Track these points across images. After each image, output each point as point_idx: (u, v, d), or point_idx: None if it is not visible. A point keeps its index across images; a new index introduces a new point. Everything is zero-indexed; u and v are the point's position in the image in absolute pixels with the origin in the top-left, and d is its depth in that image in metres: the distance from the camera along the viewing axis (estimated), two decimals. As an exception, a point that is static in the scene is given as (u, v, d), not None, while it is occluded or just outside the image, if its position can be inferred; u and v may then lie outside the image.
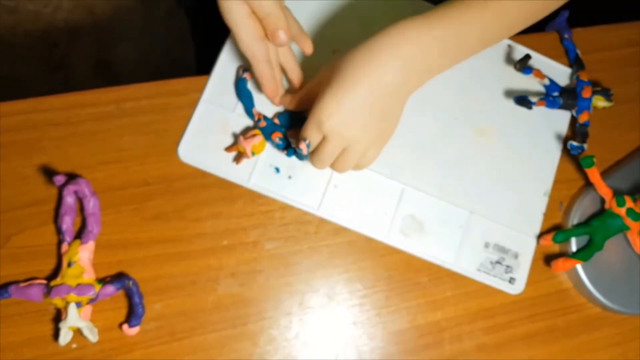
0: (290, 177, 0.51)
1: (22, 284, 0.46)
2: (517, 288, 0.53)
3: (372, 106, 0.43)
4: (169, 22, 1.19)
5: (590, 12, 0.61)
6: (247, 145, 0.48)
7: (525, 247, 0.54)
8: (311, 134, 0.45)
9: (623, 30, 0.62)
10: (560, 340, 0.54)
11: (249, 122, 0.51)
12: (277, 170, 0.51)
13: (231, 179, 0.50)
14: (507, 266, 0.53)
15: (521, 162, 0.55)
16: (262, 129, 0.50)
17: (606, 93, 0.55)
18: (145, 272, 0.48)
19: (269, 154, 0.51)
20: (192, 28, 0.78)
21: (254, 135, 0.49)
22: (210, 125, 0.50)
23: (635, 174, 0.55)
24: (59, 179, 0.46)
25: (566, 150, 0.56)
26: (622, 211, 0.51)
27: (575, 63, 0.57)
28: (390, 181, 0.52)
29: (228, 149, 0.50)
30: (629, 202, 0.51)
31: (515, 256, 0.53)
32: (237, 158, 0.50)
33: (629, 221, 0.51)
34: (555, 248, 0.55)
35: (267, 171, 0.51)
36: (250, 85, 0.51)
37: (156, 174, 0.50)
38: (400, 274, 0.52)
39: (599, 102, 0.55)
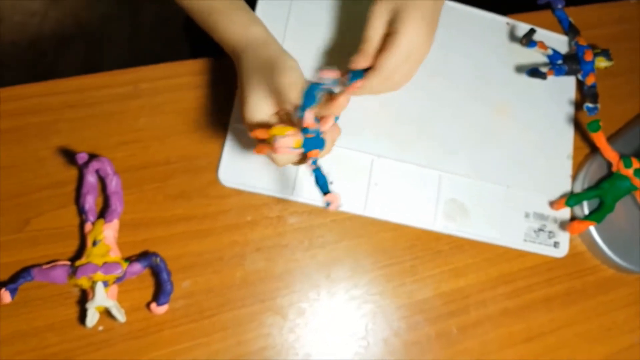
0: (332, 182, 0.51)
1: (45, 266, 0.45)
2: (562, 251, 0.55)
3: None
4: (158, 28, 1.19)
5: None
6: (288, 144, 0.40)
7: (561, 210, 0.55)
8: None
9: (612, 8, 0.65)
10: (578, 302, 0.55)
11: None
12: None
13: (276, 194, 0.50)
14: (550, 232, 0.55)
15: (541, 132, 0.57)
16: (307, 140, 0.41)
17: (606, 53, 0.58)
18: (170, 250, 0.47)
19: (309, 161, 0.50)
20: (185, 29, 0.78)
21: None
22: (245, 146, 0.50)
23: (637, 139, 0.58)
24: (82, 156, 0.45)
25: (578, 117, 0.58)
26: (629, 172, 0.54)
27: (571, 30, 0.59)
28: (427, 170, 0.53)
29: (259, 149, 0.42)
30: (635, 163, 0.54)
31: (555, 221, 0.55)
32: (260, 147, 0.42)
33: (637, 181, 0.53)
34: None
35: (308, 181, 0.50)
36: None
37: (177, 153, 0.50)
38: (422, 243, 0.52)
39: (601, 62, 0.58)
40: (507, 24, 0.59)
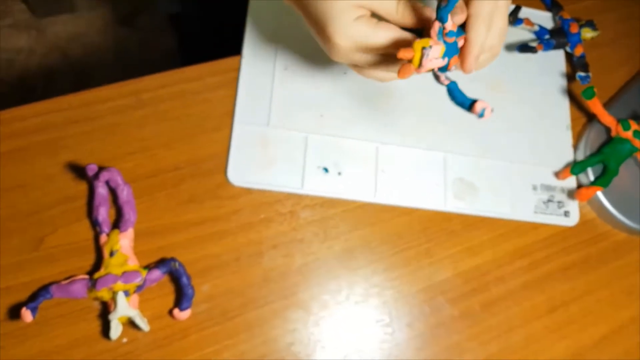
0: (340, 173, 0.51)
1: (63, 282, 0.44)
2: (572, 219, 0.55)
3: None
4: (143, 53, 1.20)
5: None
6: (435, 53, 0.37)
7: (567, 179, 0.56)
8: None
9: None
10: (596, 269, 0.55)
11: (287, 134, 0.51)
12: (326, 170, 0.51)
13: (286, 190, 0.50)
14: (559, 202, 0.55)
15: (537, 106, 0.58)
16: (448, 46, 0.38)
17: (591, 24, 0.59)
18: (187, 255, 0.47)
19: (314, 156, 0.51)
20: (179, 41, 0.79)
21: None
22: (251, 144, 0.50)
23: (632, 103, 0.59)
24: (92, 168, 0.45)
25: (571, 89, 0.59)
26: (629, 134, 0.54)
27: (554, 6, 0.61)
28: (432, 152, 0.54)
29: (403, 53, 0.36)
30: (634, 125, 0.55)
31: (562, 190, 0.56)
32: (404, 69, 0.37)
33: (637, 142, 0.54)
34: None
35: (316, 173, 0.51)
36: None
37: (184, 157, 0.50)
38: (435, 225, 0.53)
39: (587, 33, 0.59)
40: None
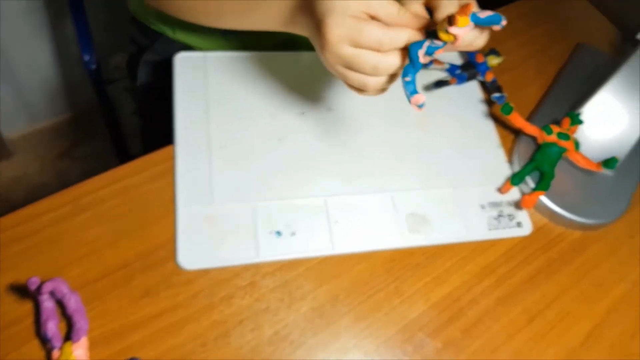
0: (293, 233, 0.51)
1: (19, 412, 0.41)
2: (526, 229, 0.57)
3: None
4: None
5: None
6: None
7: (510, 192, 0.58)
8: None
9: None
10: (561, 270, 0.55)
11: (233, 208, 0.51)
12: (279, 233, 0.51)
13: (241, 262, 0.50)
14: (509, 215, 0.57)
15: (466, 132, 0.62)
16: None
17: (494, 51, 0.64)
18: (150, 351, 0.45)
19: (264, 222, 0.51)
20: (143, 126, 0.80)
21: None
22: (198, 225, 0.50)
23: (551, 112, 0.63)
24: (34, 282, 0.43)
25: (492, 112, 0.63)
26: (553, 138, 0.58)
27: (459, 44, 0.66)
28: (379, 194, 0.55)
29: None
30: (555, 128, 0.58)
31: (509, 204, 0.57)
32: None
33: (563, 143, 0.57)
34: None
35: (270, 239, 0.51)
36: None
37: (132, 253, 0.49)
38: (398, 262, 0.52)
39: (493, 60, 0.64)
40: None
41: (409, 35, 0.42)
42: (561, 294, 0.54)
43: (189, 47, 0.66)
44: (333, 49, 0.42)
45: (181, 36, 0.67)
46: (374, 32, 0.41)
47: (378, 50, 0.41)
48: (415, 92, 0.42)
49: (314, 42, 0.45)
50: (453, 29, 0.40)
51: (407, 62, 0.42)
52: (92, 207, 0.50)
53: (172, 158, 0.53)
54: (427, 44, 0.41)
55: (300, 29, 0.47)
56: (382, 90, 0.45)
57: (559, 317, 0.53)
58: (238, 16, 0.52)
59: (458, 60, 0.67)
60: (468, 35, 0.42)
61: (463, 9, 0.40)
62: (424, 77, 0.64)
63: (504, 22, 0.41)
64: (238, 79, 0.59)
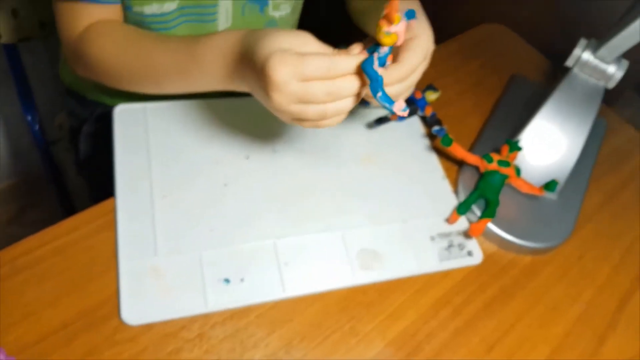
0: (242, 279, 0.50)
1: None
2: (477, 257, 0.57)
3: None
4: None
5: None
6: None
7: (459, 222, 0.59)
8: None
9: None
10: (515, 297, 0.56)
11: (178, 258, 0.50)
12: (227, 281, 0.50)
13: (189, 313, 0.48)
14: (459, 244, 0.57)
15: (410, 166, 0.63)
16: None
17: (431, 87, 0.67)
18: (93, 416, 0.42)
19: (212, 271, 0.50)
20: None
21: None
22: (142, 279, 0.49)
23: (491, 142, 0.65)
24: (-36, 351, 0.41)
25: (435, 145, 0.64)
26: (494, 166, 0.59)
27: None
28: (328, 233, 0.55)
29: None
30: (495, 156, 0.60)
31: (458, 233, 0.58)
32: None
33: (504, 170, 0.59)
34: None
35: (218, 287, 0.49)
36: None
37: (73, 312, 0.47)
38: (352, 301, 0.52)
39: (431, 95, 0.66)
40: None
41: (350, 61, 0.43)
42: (517, 320, 0.54)
43: None
44: (283, 88, 0.42)
45: (121, 102, 0.67)
46: (318, 62, 0.42)
47: (326, 78, 0.42)
48: (392, 101, 0.43)
49: (259, 91, 0.45)
50: (393, 28, 0.42)
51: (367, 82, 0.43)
52: (29, 267, 0.48)
53: (113, 211, 0.52)
54: (376, 56, 0.42)
55: (240, 84, 0.48)
56: (342, 115, 0.46)
57: (518, 343, 0.52)
58: (176, 81, 0.54)
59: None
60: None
61: (392, 6, 0.41)
62: (365, 116, 0.66)
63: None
64: (180, 127, 0.60)
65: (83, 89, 0.71)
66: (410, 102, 0.66)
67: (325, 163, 0.60)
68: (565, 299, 0.57)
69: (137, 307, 0.47)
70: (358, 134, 0.64)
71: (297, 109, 0.43)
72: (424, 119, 0.67)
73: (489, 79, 0.77)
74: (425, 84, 0.70)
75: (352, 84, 0.43)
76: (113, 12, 0.57)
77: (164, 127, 0.59)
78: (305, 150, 0.61)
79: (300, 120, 0.45)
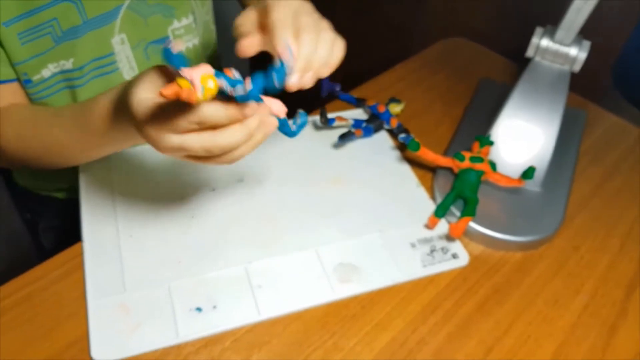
0: (215, 307, 0.49)
1: None
2: (463, 259, 0.54)
3: None
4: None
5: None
6: (195, 74, 0.34)
7: (440, 226, 0.56)
8: None
9: (389, 75, 0.78)
10: (510, 295, 0.52)
11: (147, 293, 0.48)
12: (199, 309, 0.48)
13: (161, 346, 0.46)
14: (442, 248, 0.55)
15: (384, 179, 0.62)
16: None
17: (394, 100, 0.67)
18: None
19: (182, 301, 0.48)
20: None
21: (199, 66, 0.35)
22: (111, 316, 0.47)
23: (463, 145, 0.63)
24: None
25: (406, 155, 0.63)
26: (467, 163, 0.57)
27: (359, 102, 0.69)
28: (302, 251, 0.53)
29: (165, 89, 0.33)
30: (467, 154, 0.58)
31: (440, 237, 0.56)
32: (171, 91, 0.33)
33: (478, 166, 0.57)
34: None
35: (190, 316, 0.48)
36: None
37: (43, 357, 0.45)
38: (333, 316, 0.49)
39: (395, 107, 0.66)
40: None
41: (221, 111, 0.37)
42: (516, 318, 0.50)
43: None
44: (159, 145, 0.38)
45: (72, 194, 0.67)
46: (186, 118, 0.36)
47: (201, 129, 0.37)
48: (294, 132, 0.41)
49: (141, 138, 0.40)
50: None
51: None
52: (-4, 317, 0.47)
53: (80, 254, 0.51)
54: (225, 80, 0.35)
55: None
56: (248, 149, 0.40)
57: (519, 342, 0.48)
58: (87, 150, 0.51)
59: (364, 116, 0.69)
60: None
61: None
62: (330, 136, 0.65)
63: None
64: (144, 167, 0.60)
65: (38, 187, 0.71)
66: (375, 117, 0.66)
67: (294, 187, 0.60)
68: (566, 291, 0.53)
69: (107, 344, 0.45)
70: (325, 156, 0.64)
71: (186, 158, 0.40)
72: (391, 132, 0.67)
73: (456, 88, 0.77)
74: (388, 97, 0.70)
75: (232, 136, 0.37)
76: (12, 92, 0.54)
77: (129, 170, 0.59)
78: (272, 177, 0.60)
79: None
